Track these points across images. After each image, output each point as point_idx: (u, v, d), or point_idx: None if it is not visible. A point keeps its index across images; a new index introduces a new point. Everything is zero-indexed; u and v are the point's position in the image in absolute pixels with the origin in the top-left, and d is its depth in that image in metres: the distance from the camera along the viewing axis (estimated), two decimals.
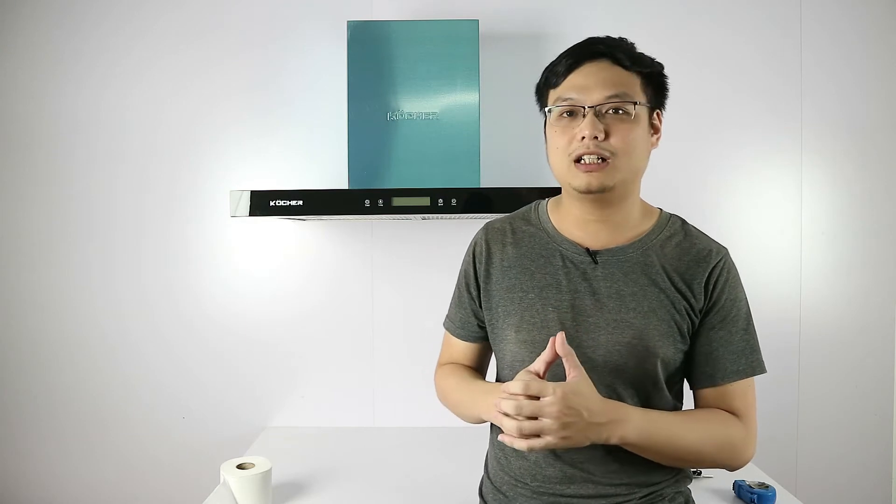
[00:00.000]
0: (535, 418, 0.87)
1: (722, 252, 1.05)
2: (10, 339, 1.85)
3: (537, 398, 0.87)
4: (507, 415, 0.89)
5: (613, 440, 0.93)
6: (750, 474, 1.46)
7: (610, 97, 0.97)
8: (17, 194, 1.84)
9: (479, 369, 1.21)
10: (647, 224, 1.07)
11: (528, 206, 1.17)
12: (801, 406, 1.87)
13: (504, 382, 1.08)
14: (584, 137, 0.96)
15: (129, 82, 1.83)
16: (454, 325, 1.18)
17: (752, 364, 1.03)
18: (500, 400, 0.90)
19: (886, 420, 1.88)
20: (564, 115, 1.00)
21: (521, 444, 0.87)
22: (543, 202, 1.15)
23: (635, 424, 0.93)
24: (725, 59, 1.83)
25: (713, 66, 1.83)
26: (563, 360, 0.91)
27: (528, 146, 1.80)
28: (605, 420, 0.90)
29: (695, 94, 1.83)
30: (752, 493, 1.34)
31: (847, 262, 1.86)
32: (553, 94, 1.02)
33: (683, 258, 1.04)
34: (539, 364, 0.93)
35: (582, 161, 0.97)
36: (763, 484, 1.37)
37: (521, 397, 0.88)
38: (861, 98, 1.84)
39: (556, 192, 1.18)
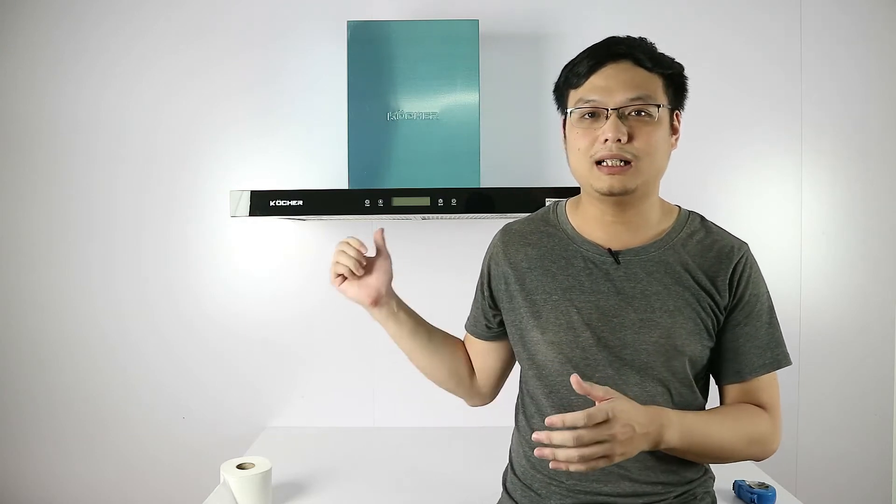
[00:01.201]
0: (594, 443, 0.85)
1: (744, 248, 1.06)
2: (10, 339, 1.85)
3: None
4: (562, 446, 0.84)
5: (661, 446, 0.93)
6: (750, 474, 1.47)
7: (632, 99, 0.96)
8: (18, 194, 1.84)
9: (494, 370, 1.19)
10: (667, 223, 1.07)
11: (546, 207, 1.16)
12: (801, 406, 1.87)
13: (531, 384, 1.08)
14: (606, 140, 0.95)
15: (129, 82, 1.83)
16: (469, 322, 1.21)
17: (778, 357, 1.04)
18: (553, 434, 0.84)
19: (886, 420, 1.88)
20: (586, 116, 0.99)
21: (582, 467, 0.84)
22: (562, 203, 1.14)
23: (676, 428, 0.93)
24: (726, 59, 1.83)
25: (713, 66, 1.83)
26: (589, 396, 0.88)
27: (528, 146, 1.80)
28: (651, 429, 0.90)
29: (695, 94, 1.80)
30: (752, 493, 1.34)
31: (847, 262, 1.86)
32: (574, 95, 1.01)
33: (706, 255, 1.03)
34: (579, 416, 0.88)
35: (604, 163, 0.97)
36: (763, 484, 1.37)
37: (561, 425, 0.84)
38: (861, 98, 1.84)
39: (559, 191, 1.18)
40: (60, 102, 1.83)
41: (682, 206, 1.12)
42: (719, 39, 1.83)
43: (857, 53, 1.84)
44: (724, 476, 1.45)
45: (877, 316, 1.87)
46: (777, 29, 1.83)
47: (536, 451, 0.86)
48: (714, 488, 1.41)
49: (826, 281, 1.87)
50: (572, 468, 0.84)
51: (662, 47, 1.05)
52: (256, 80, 1.83)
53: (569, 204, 1.13)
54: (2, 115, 1.83)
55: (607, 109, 0.96)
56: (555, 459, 0.84)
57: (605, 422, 0.84)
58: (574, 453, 0.83)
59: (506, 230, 1.15)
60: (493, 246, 1.15)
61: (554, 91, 1.08)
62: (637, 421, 0.88)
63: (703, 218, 1.10)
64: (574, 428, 0.83)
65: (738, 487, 1.39)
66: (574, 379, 0.87)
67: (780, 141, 1.85)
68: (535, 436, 0.86)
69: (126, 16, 1.83)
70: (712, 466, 1.47)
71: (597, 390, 0.88)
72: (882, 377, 1.87)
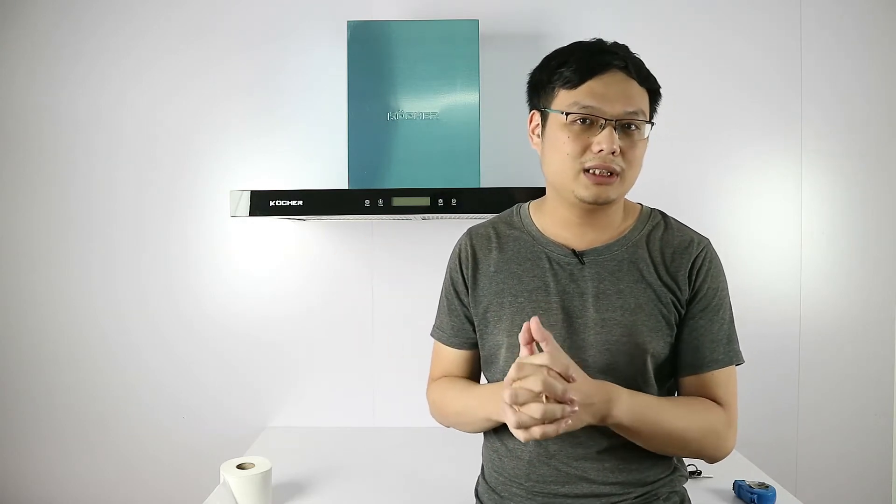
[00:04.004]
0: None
1: (703, 242, 1.06)
2: (10, 339, 1.85)
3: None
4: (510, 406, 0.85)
5: (608, 420, 0.92)
6: (750, 474, 1.47)
7: (630, 113, 0.96)
8: (18, 194, 1.84)
9: (474, 379, 1.19)
10: (630, 220, 1.08)
11: (509, 210, 1.16)
12: (801, 406, 1.87)
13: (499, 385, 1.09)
14: (601, 150, 0.95)
15: (130, 82, 1.83)
16: (446, 334, 1.16)
17: (731, 354, 1.04)
18: (505, 392, 0.85)
19: (886, 420, 1.88)
20: (578, 121, 0.97)
21: (521, 435, 0.85)
22: (525, 205, 1.15)
23: (625, 404, 0.93)
24: (726, 59, 1.83)
25: (714, 66, 1.83)
26: (543, 346, 0.88)
27: (528, 146, 1.79)
28: (596, 399, 0.90)
29: (695, 93, 1.83)
30: (752, 493, 1.34)
31: (847, 262, 1.86)
32: (568, 97, 0.98)
33: (666, 250, 1.05)
34: (524, 351, 0.90)
35: (593, 172, 0.96)
36: (763, 484, 1.37)
37: (517, 386, 0.85)
38: (861, 98, 1.84)
39: None
40: (60, 102, 1.83)
41: (644, 204, 1.13)
42: (719, 39, 1.83)
43: (857, 54, 1.84)
44: (724, 476, 1.46)
45: (877, 316, 1.87)
46: (777, 29, 1.83)
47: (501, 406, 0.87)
48: (711, 488, 1.42)
49: (826, 281, 1.87)
50: (520, 436, 0.85)
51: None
52: (256, 80, 1.83)
53: (532, 206, 1.13)
54: (2, 115, 1.83)
55: (604, 119, 0.95)
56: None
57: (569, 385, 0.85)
58: (512, 418, 0.84)
59: (471, 234, 1.14)
60: (460, 250, 1.13)
61: (534, 84, 1.05)
62: (580, 390, 0.87)
63: (664, 214, 1.11)
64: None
65: (738, 487, 1.39)
66: (533, 322, 0.87)
67: (780, 141, 1.84)
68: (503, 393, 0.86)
69: (126, 16, 1.82)
70: (706, 467, 1.48)
71: (551, 342, 0.88)
72: (882, 377, 1.87)
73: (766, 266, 1.86)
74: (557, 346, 0.89)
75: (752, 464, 1.55)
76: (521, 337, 0.90)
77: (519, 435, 0.85)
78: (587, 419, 0.90)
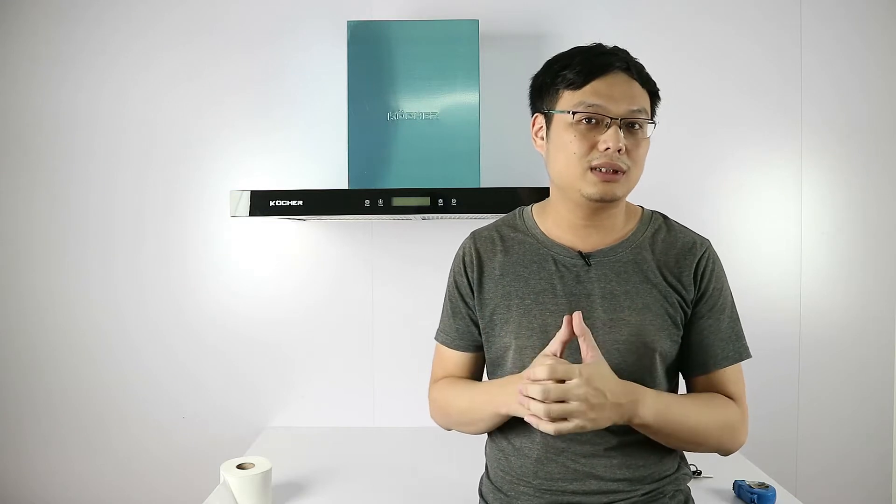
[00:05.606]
0: (563, 401, 0.87)
1: (706, 244, 1.08)
2: (10, 339, 1.85)
3: (562, 381, 0.88)
4: (533, 399, 0.88)
5: (635, 420, 0.94)
6: (750, 474, 1.47)
7: (634, 112, 0.98)
8: (17, 195, 1.83)
9: (476, 380, 1.19)
10: (632, 223, 1.09)
11: (511, 214, 1.17)
12: (802, 406, 1.87)
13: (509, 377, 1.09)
14: (607, 148, 0.96)
15: (129, 82, 1.83)
16: (450, 337, 1.16)
17: (740, 350, 1.07)
18: (526, 385, 0.89)
19: (886, 420, 1.88)
20: (584, 120, 0.98)
21: (549, 427, 0.88)
22: (527, 209, 1.16)
23: (651, 404, 0.95)
24: (726, 59, 1.83)
25: (714, 65, 1.83)
26: (580, 340, 0.92)
27: (528, 146, 1.79)
28: (625, 400, 0.92)
29: (695, 93, 1.83)
30: (752, 493, 1.34)
31: (847, 262, 1.86)
32: (572, 97, 0.99)
33: (670, 252, 1.06)
34: (555, 345, 0.93)
35: (600, 170, 0.97)
36: (763, 484, 1.37)
37: (548, 382, 0.88)
38: (861, 98, 1.84)
39: None
40: (60, 101, 1.83)
41: (645, 207, 1.14)
42: (719, 39, 1.83)
43: (857, 53, 1.84)
44: (724, 476, 1.46)
45: (877, 316, 1.87)
46: (777, 28, 1.83)
47: (519, 399, 0.91)
48: (711, 488, 1.42)
49: (826, 281, 1.87)
50: (543, 428, 0.88)
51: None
52: (257, 79, 1.83)
53: (535, 208, 1.14)
54: (1, 115, 1.83)
55: (610, 118, 0.97)
56: (528, 412, 0.89)
57: (579, 381, 0.87)
58: (540, 407, 0.87)
59: (475, 237, 1.15)
60: (464, 253, 1.14)
61: (537, 87, 1.07)
62: (610, 389, 0.90)
63: (665, 217, 1.13)
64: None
65: (738, 487, 1.39)
66: (575, 316, 0.91)
67: (780, 141, 1.85)
68: (518, 387, 0.91)
69: (126, 15, 1.82)
70: (707, 467, 1.48)
71: (589, 339, 0.92)
72: (882, 377, 1.87)
73: (766, 266, 1.86)
74: (594, 344, 0.93)
75: (752, 464, 1.55)
76: (563, 332, 0.93)
77: (531, 420, 0.89)
78: (614, 417, 0.91)
